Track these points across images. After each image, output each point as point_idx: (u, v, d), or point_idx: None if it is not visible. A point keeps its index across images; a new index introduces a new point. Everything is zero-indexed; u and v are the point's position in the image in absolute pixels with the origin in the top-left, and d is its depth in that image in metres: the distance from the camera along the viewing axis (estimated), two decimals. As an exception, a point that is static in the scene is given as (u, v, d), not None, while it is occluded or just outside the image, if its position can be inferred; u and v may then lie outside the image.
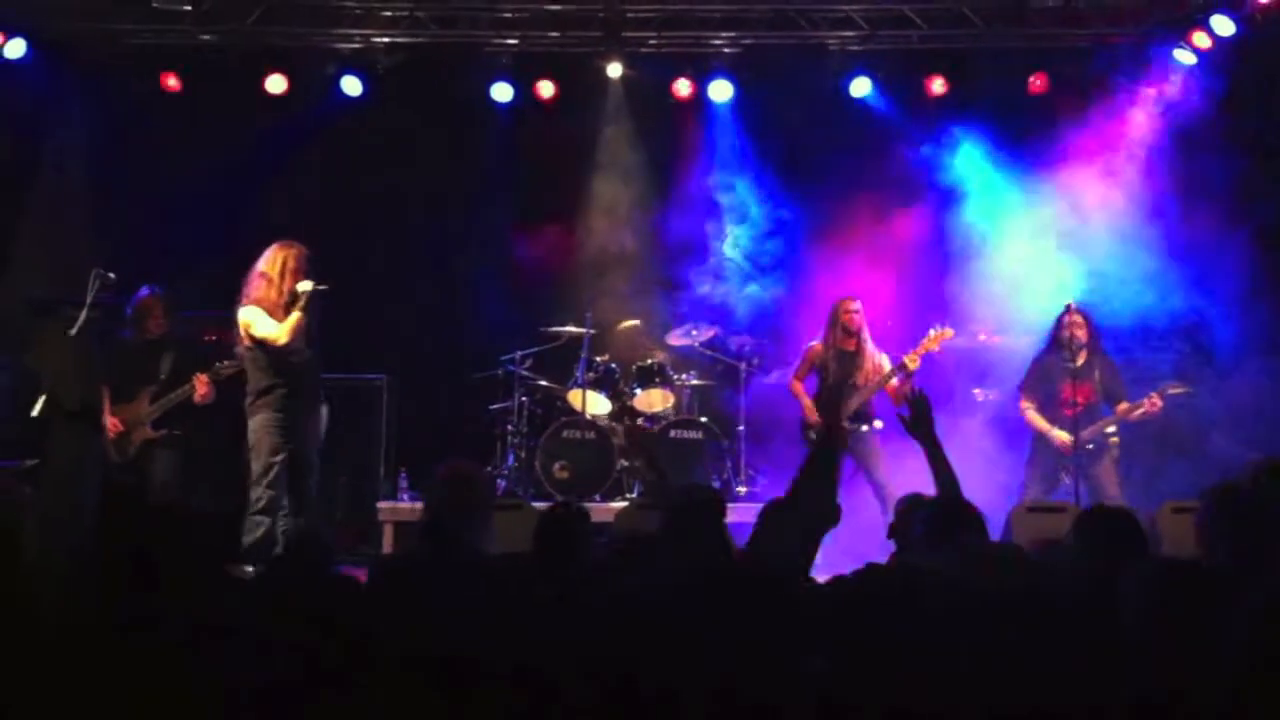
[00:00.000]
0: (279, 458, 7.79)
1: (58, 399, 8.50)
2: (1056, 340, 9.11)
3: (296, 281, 7.91)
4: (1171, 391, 8.97)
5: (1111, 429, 8.99)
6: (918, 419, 5.07)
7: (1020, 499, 8.61)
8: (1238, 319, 9.64)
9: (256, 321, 7.90)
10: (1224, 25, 10.05)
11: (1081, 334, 8.97)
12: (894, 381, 9.10)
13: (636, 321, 10.90)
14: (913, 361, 9.01)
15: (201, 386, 8.50)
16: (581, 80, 11.14)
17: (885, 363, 9.29)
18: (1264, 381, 9.42)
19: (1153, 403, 8.86)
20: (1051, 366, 9.11)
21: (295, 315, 7.84)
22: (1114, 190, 10.38)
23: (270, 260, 8.00)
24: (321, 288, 7.94)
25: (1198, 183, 9.86)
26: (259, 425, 7.85)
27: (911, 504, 5.41)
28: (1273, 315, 9.56)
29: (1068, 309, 9.05)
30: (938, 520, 4.55)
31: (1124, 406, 8.94)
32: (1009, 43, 10.90)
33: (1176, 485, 9.18)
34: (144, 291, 8.93)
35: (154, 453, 8.66)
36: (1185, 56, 10.32)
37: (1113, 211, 10.35)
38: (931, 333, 9.17)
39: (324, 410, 8.34)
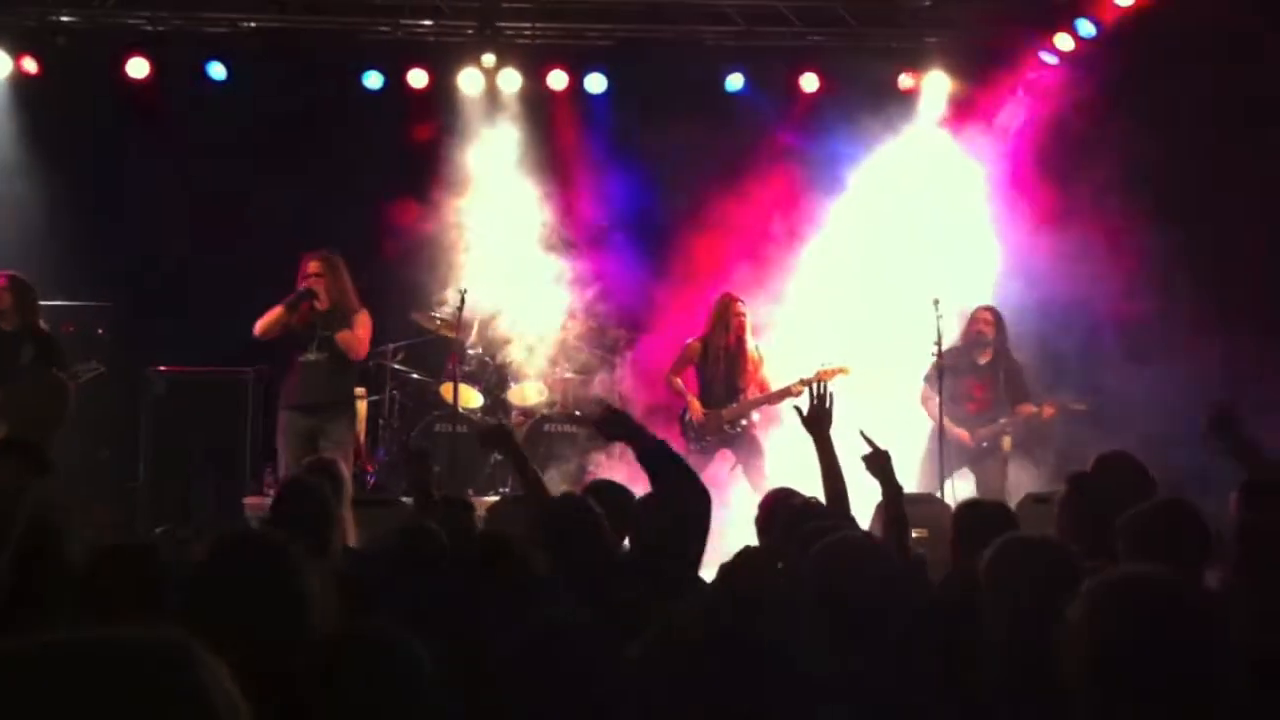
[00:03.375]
0: None
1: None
2: (965, 336, 9.33)
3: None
4: (1072, 406, 9.15)
5: (1009, 444, 9.21)
6: (816, 416, 5.07)
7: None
8: (1122, 320, 9.80)
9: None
10: (1085, 27, 10.32)
11: (989, 331, 9.21)
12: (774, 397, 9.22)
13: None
14: (800, 388, 8.94)
15: None
16: (454, 70, 11.00)
17: (764, 366, 9.35)
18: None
19: (1045, 410, 9.08)
20: (959, 362, 9.30)
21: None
22: (982, 188, 10.61)
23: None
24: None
25: (1070, 178, 10.05)
26: (351, 425, 8.71)
27: (777, 500, 5.46)
28: (1158, 316, 9.72)
29: (981, 307, 9.30)
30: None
31: (1025, 409, 9.15)
32: (881, 41, 11.06)
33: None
34: None
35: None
36: (1049, 58, 10.58)
37: (980, 210, 10.57)
38: (827, 367, 9.03)
39: None
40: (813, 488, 5.24)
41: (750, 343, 9.33)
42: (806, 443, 5.18)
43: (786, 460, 8.22)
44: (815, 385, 5.17)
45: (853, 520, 4.93)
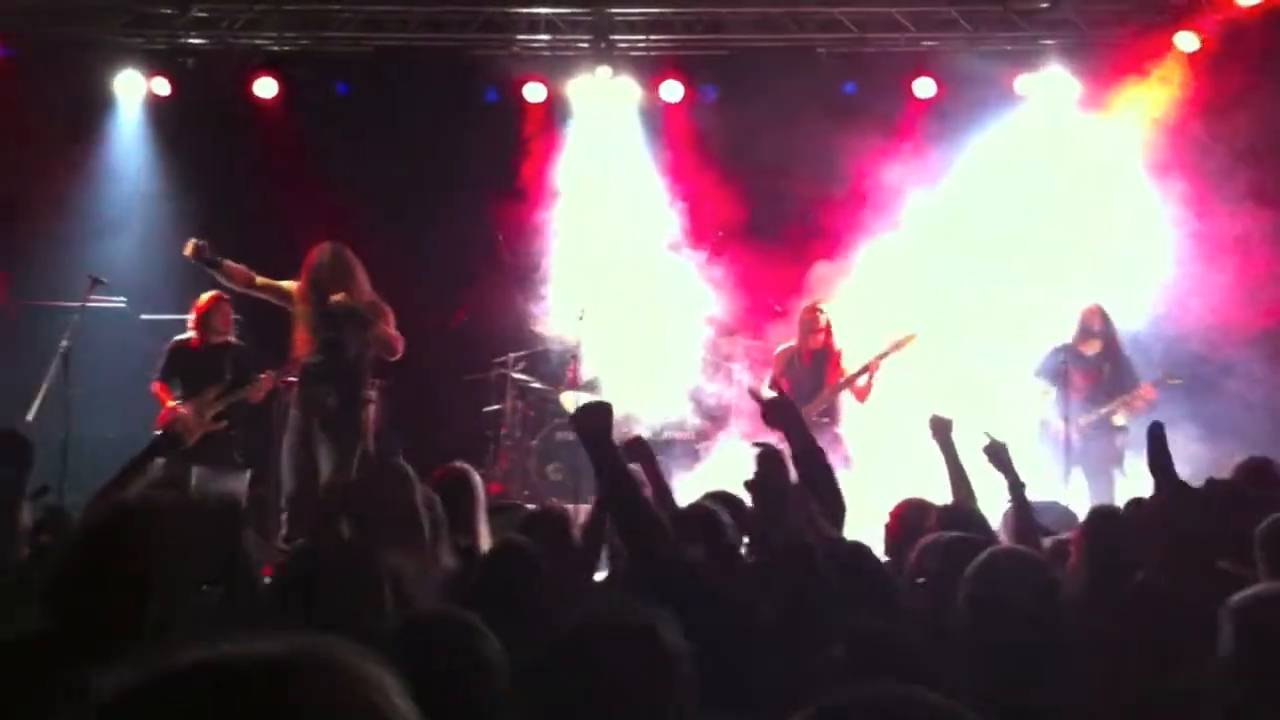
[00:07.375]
0: None
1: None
2: (1077, 329, 9.40)
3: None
4: (1170, 382, 9.13)
5: (1120, 420, 9.15)
6: (939, 422, 5.24)
7: None
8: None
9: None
10: (1188, 41, 10.21)
11: (1096, 322, 9.24)
12: (860, 383, 9.38)
13: None
14: (876, 363, 9.31)
15: (267, 385, 8.61)
16: (570, 84, 11.15)
17: (846, 362, 9.47)
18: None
19: (1144, 393, 9.03)
20: (1067, 355, 9.32)
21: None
22: (1102, 188, 10.50)
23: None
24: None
25: (1184, 184, 9.93)
26: (356, 429, 8.34)
27: (909, 510, 5.45)
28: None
29: (1090, 304, 9.38)
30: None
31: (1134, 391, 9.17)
32: (997, 45, 10.98)
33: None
34: (207, 296, 8.86)
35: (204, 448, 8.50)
36: (1171, 55, 10.43)
37: (1100, 208, 10.45)
38: (897, 337, 9.32)
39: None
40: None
41: (835, 344, 9.50)
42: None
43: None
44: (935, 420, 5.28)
45: (981, 518, 4.93)
